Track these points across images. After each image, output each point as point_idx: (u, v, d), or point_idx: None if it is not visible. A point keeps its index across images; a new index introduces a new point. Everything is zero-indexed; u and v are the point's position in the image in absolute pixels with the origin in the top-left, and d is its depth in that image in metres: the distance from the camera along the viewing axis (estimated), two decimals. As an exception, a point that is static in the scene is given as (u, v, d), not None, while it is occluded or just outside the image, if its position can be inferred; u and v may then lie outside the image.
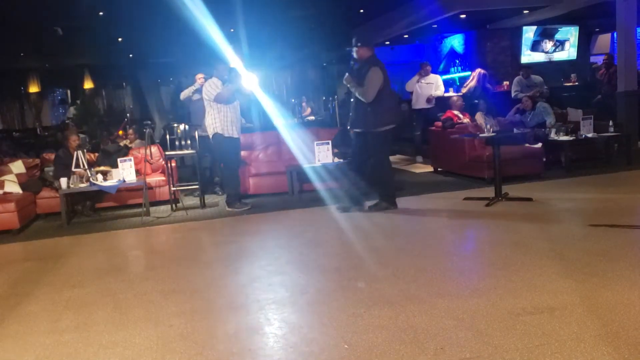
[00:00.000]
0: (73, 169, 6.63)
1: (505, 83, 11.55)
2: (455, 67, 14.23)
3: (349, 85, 5.91)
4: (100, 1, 10.27)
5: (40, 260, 5.16)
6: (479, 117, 7.97)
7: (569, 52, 13.01)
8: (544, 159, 7.60)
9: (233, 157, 6.79)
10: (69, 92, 17.74)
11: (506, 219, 5.31)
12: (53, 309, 3.70)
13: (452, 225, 5.45)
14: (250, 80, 7.07)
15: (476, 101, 9.54)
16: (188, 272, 4.34)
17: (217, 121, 6.65)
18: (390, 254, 4.44)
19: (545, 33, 12.76)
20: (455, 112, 8.63)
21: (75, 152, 6.75)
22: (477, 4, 10.85)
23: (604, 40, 14.01)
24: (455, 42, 14.15)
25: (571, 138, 7.78)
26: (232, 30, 12.05)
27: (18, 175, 7.09)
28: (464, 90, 10.75)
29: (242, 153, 7.58)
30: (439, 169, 8.58)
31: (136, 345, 3.01)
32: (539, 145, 7.61)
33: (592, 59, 13.88)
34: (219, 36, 8.47)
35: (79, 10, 10.47)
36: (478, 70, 10.68)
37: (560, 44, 12.91)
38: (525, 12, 11.56)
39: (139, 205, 6.95)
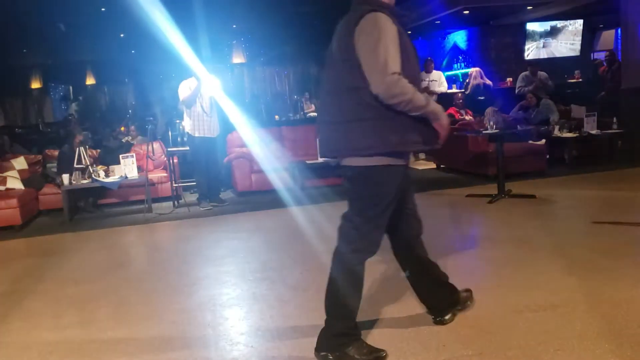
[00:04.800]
0: (75, 166, 6.63)
1: (509, 79, 11.51)
2: (459, 64, 14.20)
3: None
4: None
5: (43, 256, 5.17)
6: (489, 111, 7.90)
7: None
8: (547, 156, 7.58)
9: (203, 157, 6.66)
10: (71, 88, 17.76)
11: (509, 216, 5.30)
12: (56, 305, 3.72)
13: (454, 222, 5.43)
14: (212, 84, 6.65)
15: (480, 98, 9.51)
16: (190, 269, 4.34)
17: (187, 122, 6.63)
18: (391, 250, 4.41)
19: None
20: (458, 110, 8.62)
21: (77, 149, 6.75)
22: (480, 0, 10.81)
23: (608, 37, 13.94)
24: (459, 38, 14.10)
25: (575, 135, 7.75)
26: (234, 26, 12.05)
27: (20, 172, 7.11)
28: (467, 90, 10.76)
29: (244, 149, 7.56)
30: (442, 166, 8.56)
31: (139, 342, 3.01)
32: (543, 142, 7.58)
33: (595, 55, 13.81)
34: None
35: (81, 6, 10.48)
36: (475, 69, 10.71)
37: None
38: (529, 8, 11.51)
39: (141, 201, 6.94)
